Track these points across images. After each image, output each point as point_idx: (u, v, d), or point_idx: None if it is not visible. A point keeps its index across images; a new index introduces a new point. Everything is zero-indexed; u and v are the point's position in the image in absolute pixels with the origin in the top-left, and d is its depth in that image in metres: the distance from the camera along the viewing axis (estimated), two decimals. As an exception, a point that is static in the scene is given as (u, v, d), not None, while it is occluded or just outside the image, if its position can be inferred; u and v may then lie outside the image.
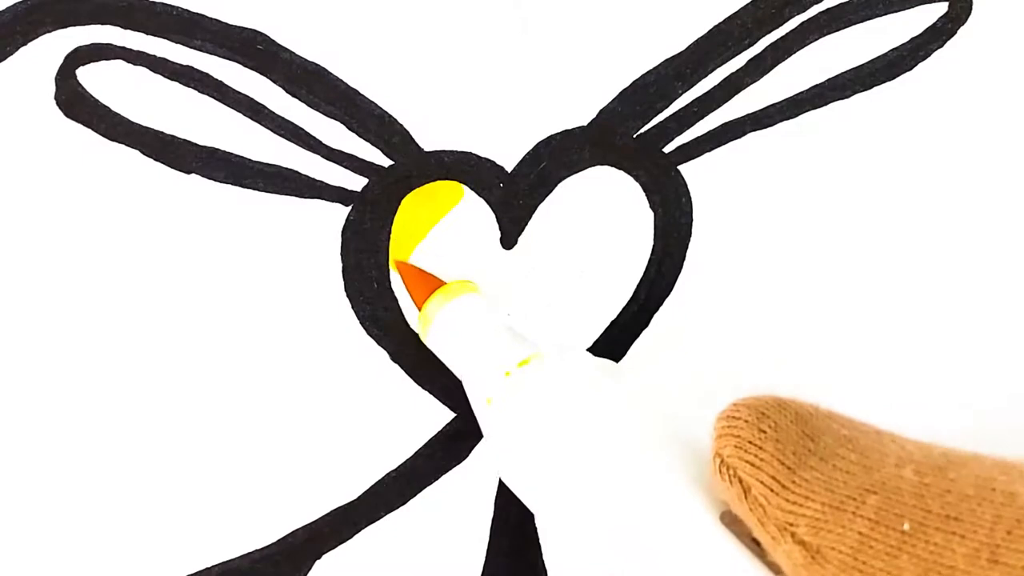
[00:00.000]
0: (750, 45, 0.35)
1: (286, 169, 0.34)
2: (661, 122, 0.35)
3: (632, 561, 0.25)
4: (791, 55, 0.35)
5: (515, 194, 0.35)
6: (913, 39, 0.36)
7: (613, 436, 0.26)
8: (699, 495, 0.24)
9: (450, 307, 0.32)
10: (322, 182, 0.34)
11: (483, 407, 0.29)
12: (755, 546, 0.23)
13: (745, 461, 0.22)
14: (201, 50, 0.33)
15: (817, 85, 0.36)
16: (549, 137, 0.35)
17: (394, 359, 0.35)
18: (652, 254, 0.36)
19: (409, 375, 0.35)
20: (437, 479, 0.35)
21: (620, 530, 0.25)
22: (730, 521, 0.23)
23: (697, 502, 0.24)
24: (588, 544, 0.26)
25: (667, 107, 0.35)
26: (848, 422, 0.22)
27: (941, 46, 0.36)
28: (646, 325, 0.36)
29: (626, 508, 0.25)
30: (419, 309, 0.32)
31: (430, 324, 0.32)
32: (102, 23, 0.33)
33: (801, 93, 0.36)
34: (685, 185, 0.35)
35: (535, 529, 0.35)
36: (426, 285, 0.33)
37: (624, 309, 0.35)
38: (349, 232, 0.34)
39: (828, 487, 0.21)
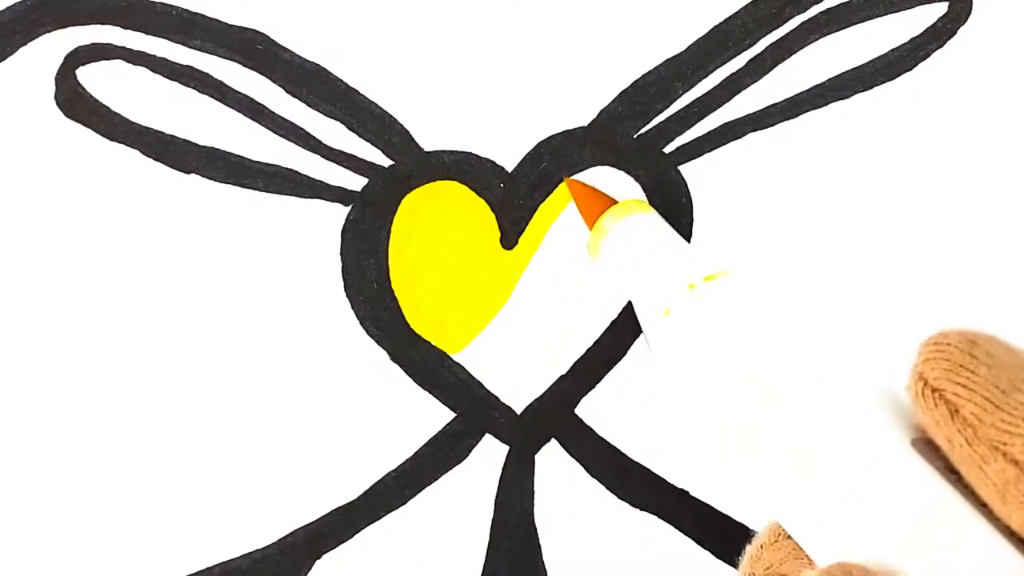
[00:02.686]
0: (750, 45, 0.35)
1: (286, 169, 0.34)
2: (661, 122, 0.35)
3: (823, 485, 0.24)
4: (791, 55, 0.35)
5: (515, 194, 0.35)
6: (913, 39, 0.36)
7: (800, 358, 0.26)
8: (892, 419, 0.24)
9: (627, 221, 0.31)
10: (322, 182, 0.34)
11: (658, 318, 0.29)
12: (948, 473, 0.23)
13: (956, 383, 0.22)
14: (201, 50, 0.33)
15: (817, 85, 0.36)
16: (549, 137, 0.35)
17: (394, 359, 0.34)
18: (652, 254, 0.36)
19: (409, 375, 0.35)
20: (437, 479, 0.35)
21: (806, 453, 0.24)
22: (921, 448, 0.23)
23: (891, 426, 0.24)
24: (769, 467, 0.25)
25: (667, 107, 0.35)
26: None
27: (941, 46, 0.36)
28: (646, 325, 0.36)
29: (814, 431, 0.24)
30: (590, 226, 0.32)
31: (604, 236, 0.31)
32: (102, 23, 0.33)
33: (801, 93, 0.36)
34: (685, 185, 0.35)
35: (535, 529, 0.35)
36: (599, 200, 0.32)
37: (624, 309, 0.35)
38: (349, 232, 0.34)
39: None
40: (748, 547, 0.27)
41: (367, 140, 0.34)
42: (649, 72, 0.35)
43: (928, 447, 0.23)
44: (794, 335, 0.27)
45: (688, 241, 0.36)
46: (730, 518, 0.35)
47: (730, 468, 0.27)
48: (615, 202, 0.32)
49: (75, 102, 0.33)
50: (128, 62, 0.33)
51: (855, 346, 0.34)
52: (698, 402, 0.27)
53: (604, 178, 0.35)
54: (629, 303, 0.35)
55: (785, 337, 0.27)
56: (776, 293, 0.28)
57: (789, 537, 0.26)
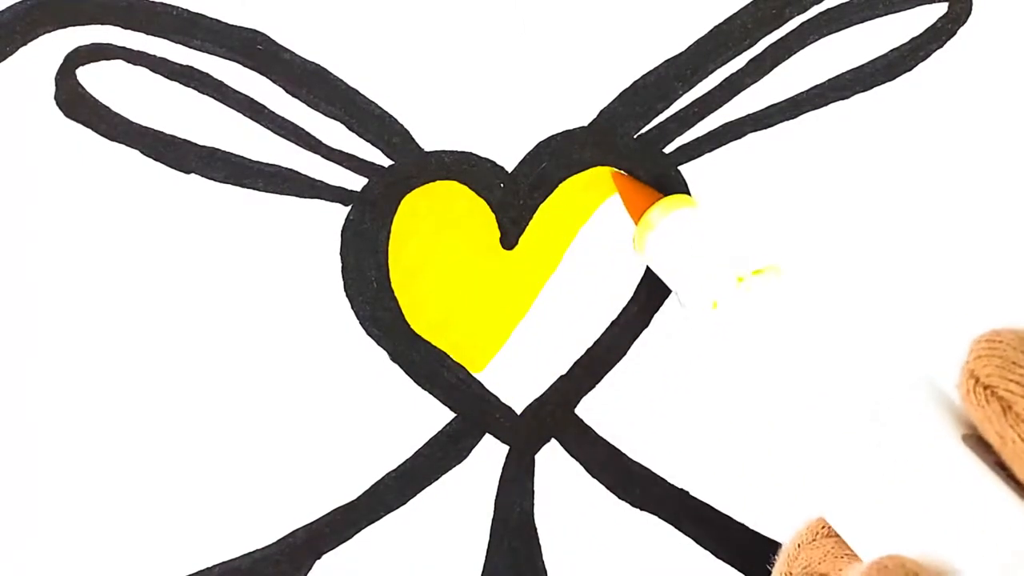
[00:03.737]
0: (750, 46, 0.35)
1: (286, 169, 0.34)
2: (661, 122, 0.35)
3: (874, 480, 0.24)
4: (791, 55, 0.35)
5: (515, 194, 0.35)
6: (913, 39, 0.36)
7: (850, 353, 0.26)
8: (943, 416, 0.24)
9: (674, 216, 0.32)
10: (322, 182, 0.34)
11: (706, 310, 0.29)
12: (999, 469, 0.23)
13: (1009, 380, 0.22)
14: (201, 50, 0.33)
15: (817, 85, 0.36)
16: (549, 137, 0.35)
17: (394, 359, 0.35)
18: (652, 254, 0.36)
19: (409, 375, 0.35)
20: (437, 479, 0.35)
21: (856, 447, 0.25)
22: (972, 444, 0.23)
23: (942, 422, 0.24)
24: (818, 461, 0.25)
25: (667, 107, 0.35)
26: None
27: (941, 46, 0.36)
28: (646, 325, 0.36)
29: (864, 426, 0.25)
30: (636, 221, 0.32)
31: (651, 231, 0.32)
32: (102, 23, 0.33)
33: (801, 93, 0.36)
34: (685, 185, 0.35)
35: (535, 529, 0.35)
36: (645, 195, 0.33)
37: (624, 309, 0.35)
38: (349, 232, 0.34)
39: None
40: (784, 546, 0.27)
41: (367, 140, 0.34)
42: (649, 72, 0.35)
43: (979, 444, 0.23)
44: (844, 331, 0.27)
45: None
46: (730, 518, 0.35)
47: (779, 461, 0.27)
48: (660, 196, 0.33)
49: (75, 102, 0.33)
50: (128, 62, 0.33)
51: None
52: (748, 393, 0.28)
53: (604, 178, 0.35)
54: (629, 304, 0.35)
55: (835, 333, 0.27)
56: (825, 289, 0.28)
57: (828, 536, 0.26)
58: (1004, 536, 0.22)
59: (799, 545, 0.27)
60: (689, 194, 0.35)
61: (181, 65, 0.33)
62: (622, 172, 0.34)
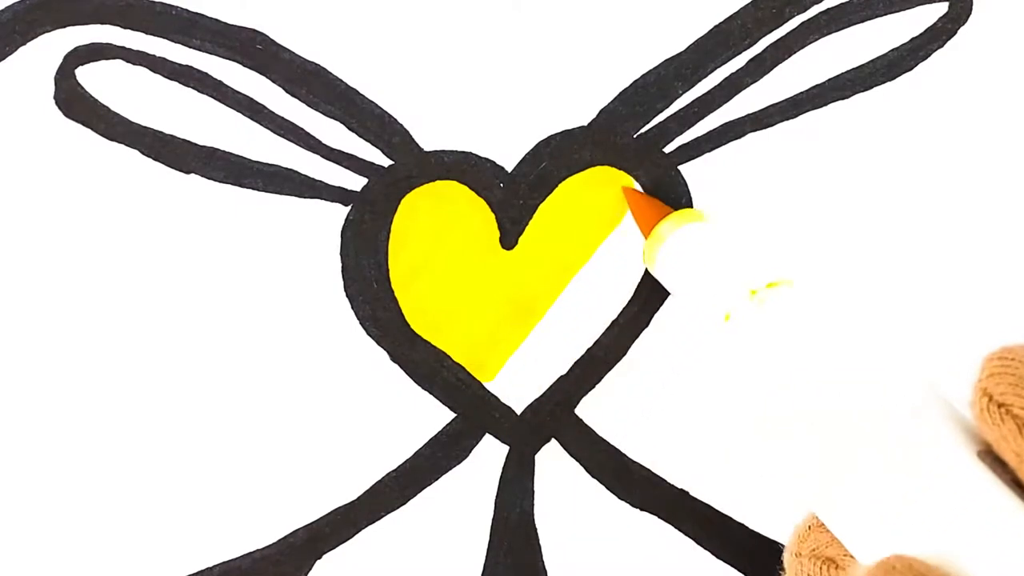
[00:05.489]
0: (750, 45, 0.35)
1: (286, 169, 0.34)
2: (661, 122, 0.35)
3: (890, 494, 0.24)
4: (791, 55, 0.35)
5: (515, 194, 0.35)
6: (913, 39, 0.36)
7: (863, 369, 0.26)
8: (957, 433, 0.24)
9: (685, 229, 0.32)
10: (322, 182, 0.34)
11: (717, 323, 0.29)
12: (1015, 487, 0.23)
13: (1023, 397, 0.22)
14: (200, 50, 0.33)
15: (817, 85, 0.36)
16: (549, 137, 0.35)
17: (394, 359, 0.35)
18: (652, 254, 0.36)
19: (409, 375, 0.35)
20: (437, 479, 0.35)
21: (873, 461, 0.24)
22: (987, 460, 0.23)
23: (956, 439, 0.24)
24: (832, 474, 0.25)
25: (667, 107, 0.35)
26: None
27: (941, 46, 0.36)
28: (646, 325, 0.36)
29: (880, 439, 0.24)
30: (646, 235, 0.32)
31: (661, 244, 0.32)
32: (101, 23, 0.33)
33: (801, 93, 0.35)
34: (685, 185, 0.35)
35: (535, 529, 0.35)
36: (656, 209, 0.33)
37: (624, 309, 0.35)
38: (349, 232, 0.34)
39: None
40: (796, 526, 0.27)
41: (367, 140, 0.34)
42: (649, 72, 0.35)
43: (994, 461, 0.23)
44: (858, 347, 0.27)
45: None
46: (730, 518, 0.35)
47: (784, 467, 0.27)
48: (671, 210, 0.33)
49: (74, 102, 0.32)
50: (128, 62, 0.33)
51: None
52: (761, 406, 0.27)
53: (603, 178, 0.35)
54: (628, 304, 0.35)
55: (849, 348, 0.27)
56: (838, 303, 0.28)
57: None
58: (1019, 547, 0.22)
59: (810, 527, 0.27)
60: (690, 196, 0.35)
61: (180, 65, 0.33)
62: (632, 187, 0.34)
